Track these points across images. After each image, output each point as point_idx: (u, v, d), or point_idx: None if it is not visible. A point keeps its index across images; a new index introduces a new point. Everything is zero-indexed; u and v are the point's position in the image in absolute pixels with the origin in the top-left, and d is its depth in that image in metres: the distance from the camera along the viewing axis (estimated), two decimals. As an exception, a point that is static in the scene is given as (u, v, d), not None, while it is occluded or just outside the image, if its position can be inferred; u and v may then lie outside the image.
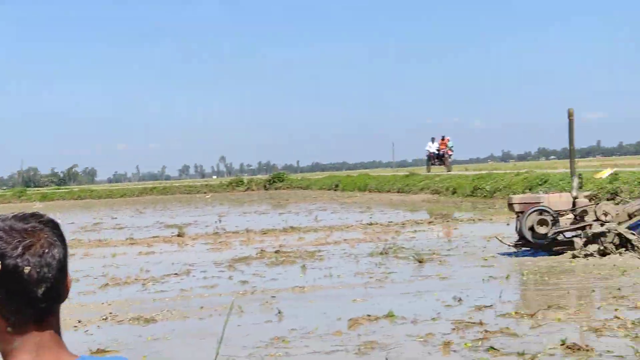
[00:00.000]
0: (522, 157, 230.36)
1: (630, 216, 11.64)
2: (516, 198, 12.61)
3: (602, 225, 11.25)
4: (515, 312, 7.69)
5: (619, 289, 8.74)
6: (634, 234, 11.09)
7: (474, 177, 34.81)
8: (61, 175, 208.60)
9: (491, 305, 8.08)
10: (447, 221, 20.14)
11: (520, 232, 11.99)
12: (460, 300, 8.50)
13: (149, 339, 7.48)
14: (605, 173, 17.66)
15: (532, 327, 7.03)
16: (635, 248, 10.92)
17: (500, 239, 12.70)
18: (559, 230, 11.82)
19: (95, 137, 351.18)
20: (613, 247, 11.00)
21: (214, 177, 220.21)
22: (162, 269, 12.45)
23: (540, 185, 27.80)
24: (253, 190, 63.21)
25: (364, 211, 26.37)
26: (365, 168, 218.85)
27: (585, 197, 12.32)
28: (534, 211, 11.78)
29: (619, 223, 11.44)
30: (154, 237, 19.00)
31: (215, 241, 16.99)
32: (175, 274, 11.87)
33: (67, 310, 8.85)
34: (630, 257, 10.70)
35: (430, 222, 19.63)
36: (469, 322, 7.29)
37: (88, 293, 10.43)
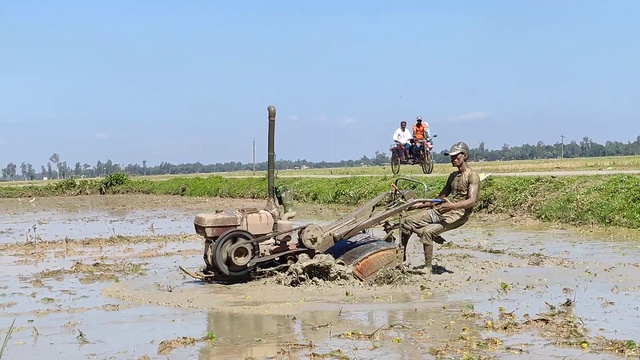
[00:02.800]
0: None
1: (335, 240, 11.14)
2: (209, 220, 11.02)
3: (310, 254, 10.78)
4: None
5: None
6: (343, 264, 10.66)
7: (337, 182, 35.14)
8: None
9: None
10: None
11: (213, 263, 10.84)
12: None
13: None
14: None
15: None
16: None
17: (184, 269, 11.58)
18: (260, 260, 10.90)
19: None
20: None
21: (45, 178, 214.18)
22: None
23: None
24: (87, 194, 61.78)
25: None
26: (221, 170, 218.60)
27: (290, 217, 11.46)
28: (229, 238, 10.76)
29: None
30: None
31: (27, 252, 16.31)
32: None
33: None
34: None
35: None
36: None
37: None
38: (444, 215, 11.48)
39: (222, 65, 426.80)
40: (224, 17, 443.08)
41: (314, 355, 6.75)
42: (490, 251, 13.88)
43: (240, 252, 10.72)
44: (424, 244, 11.39)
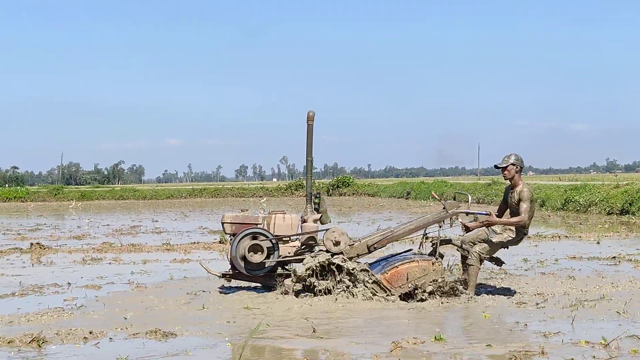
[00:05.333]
0: (630, 168, 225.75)
1: (369, 249, 10.74)
2: (228, 216, 11.01)
3: (332, 257, 10.24)
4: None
5: None
6: (368, 272, 10.13)
7: (566, 188, 34.23)
8: (105, 172, 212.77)
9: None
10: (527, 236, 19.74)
11: (230, 260, 10.80)
12: (526, 325, 8.33)
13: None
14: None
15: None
16: (365, 288, 10.00)
17: (205, 265, 11.45)
18: (280, 260, 10.64)
19: (143, 131, 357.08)
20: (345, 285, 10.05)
21: (274, 179, 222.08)
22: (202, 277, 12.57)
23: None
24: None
25: (435, 223, 26.15)
26: (445, 175, 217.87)
27: (316, 220, 11.05)
28: (247, 235, 10.64)
29: (358, 255, 10.61)
30: (193, 243, 19.20)
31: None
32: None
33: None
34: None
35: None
36: (529, 351, 7.13)
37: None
38: (493, 233, 10.62)
39: (450, 71, 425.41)
40: (452, 22, 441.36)
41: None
42: None
43: (255, 249, 10.56)
44: (467, 265, 10.54)
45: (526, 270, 13.36)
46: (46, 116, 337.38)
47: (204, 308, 9.67)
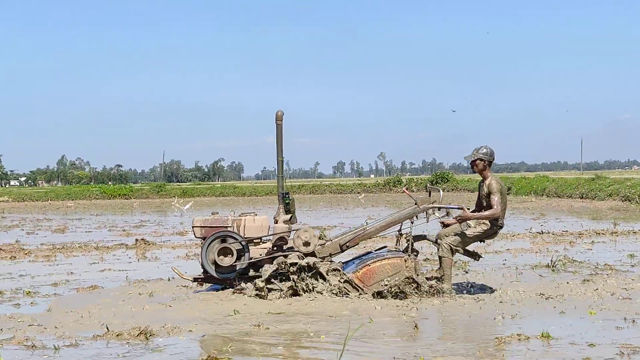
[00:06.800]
0: None
1: (342, 248, 10.62)
2: (198, 220, 11.03)
3: (301, 258, 10.17)
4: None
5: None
6: (339, 271, 10.03)
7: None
8: (205, 169, 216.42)
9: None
10: (634, 232, 19.27)
11: (202, 264, 10.72)
12: (634, 321, 8.14)
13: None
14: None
15: None
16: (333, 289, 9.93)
17: (177, 270, 11.20)
18: (249, 261, 10.56)
19: (243, 130, 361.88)
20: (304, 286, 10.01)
21: (372, 175, 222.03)
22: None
23: None
24: (413, 191, 63.17)
25: (536, 218, 25.88)
26: (547, 170, 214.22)
27: (286, 221, 10.94)
28: (216, 238, 10.59)
29: (330, 255, 10.50)
30: (293, 238, 19.33)
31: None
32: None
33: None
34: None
35: (613, 233, 18.93)
36: (637, 347, 6.96)
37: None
38: (467, 226, 10.42)
39: (549, 65, 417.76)
40: (552, 16, 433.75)
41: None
42: None
43: (226, 252, 10.51)
44: (439, 257, 10.48)
45: (632, 266, 12.99)
46: (148, 116, 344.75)
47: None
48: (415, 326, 8.06)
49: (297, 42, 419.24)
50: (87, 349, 7.43)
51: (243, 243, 10.56)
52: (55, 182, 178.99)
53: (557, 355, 6.83)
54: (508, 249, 15.66)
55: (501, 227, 10.55)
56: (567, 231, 19.51)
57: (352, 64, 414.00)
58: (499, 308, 9.20)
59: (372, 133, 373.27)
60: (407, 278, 9.91)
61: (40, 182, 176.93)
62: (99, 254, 17.05)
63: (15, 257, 16.46)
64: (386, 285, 9.88)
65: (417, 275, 10.08)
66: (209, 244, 10.56)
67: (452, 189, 63.23)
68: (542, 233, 19.08)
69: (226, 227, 10.76)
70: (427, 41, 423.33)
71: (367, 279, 9.97)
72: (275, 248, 10.76)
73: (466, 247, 10.58)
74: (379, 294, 9.89)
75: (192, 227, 11.06)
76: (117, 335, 7.86)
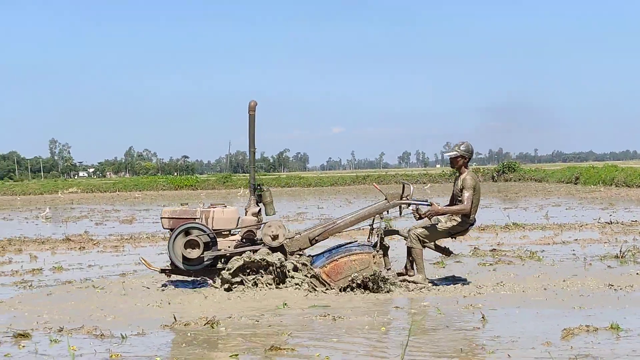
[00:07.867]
0: None
1: (311, 242, 10.55)
2: (166, 211, 10.82)
3: (270, 251, 10.14)
4: None
5: None
6: (306, 265, 10.05)
7: None
8: (271, 160, 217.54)
9: None
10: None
11: (169, 256, 10.54)
12: None
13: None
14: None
15: None
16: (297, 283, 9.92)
17: (145, 260, 11.17)
18: (217, 253, 10.43)
19: (308, 121, 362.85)
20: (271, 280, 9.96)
21: (437, 166, 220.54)
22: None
23: None
24: (480, 181, 62.57)
25: (605, 208, 25.43)
26: (616, 159, 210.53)
27: (255, 214, 10.78)
28: (183, 230, 10.39)
29: (300, 249, 10.45)
30: (358, 230, 19.28)
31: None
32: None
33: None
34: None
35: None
36: None
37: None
38: (438, 221, 10.46)
39: (620, 53, 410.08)
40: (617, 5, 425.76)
41: None
42: None
43: (193, 244, 10.34)
44: (408, 247, 10.47)
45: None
46: (214, 108, 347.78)
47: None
48: (483, 317, 8.02)
49: (360, 34, 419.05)
50: (154, 338, 7.54)
51: (211, 235, 10.46)
52: (122, 173, 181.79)
53: (626, 347, 6.71)
54: (576, 240, 15.43)
55: (472, 224, 10.61)
56: (636, 221, 19.12)
57: (417, 53, 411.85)
58: (568, 299, 9.08)
59: (438, 122, 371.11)
60: (374, 273, 9.86)
61: (108, 173, 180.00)
62: (166, 244, 17.18)
63: (84, 247, 16.77)
64: (352, 281, 9.90)
65: (387, 269, 10.23)
66: (176, 236, 10.44)
67: (519, 179, 62.47)
68: (611, 223, 18.75)
69: (194, 218, 10.64)
70: (496, 29, 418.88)
71: (334, 275, 9.99)
72: (244, 240, 10.66)
73: (437, 242, 10.74)
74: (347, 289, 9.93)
75: (161, 218, 10.96)
76: (185, 325, 7.97)
